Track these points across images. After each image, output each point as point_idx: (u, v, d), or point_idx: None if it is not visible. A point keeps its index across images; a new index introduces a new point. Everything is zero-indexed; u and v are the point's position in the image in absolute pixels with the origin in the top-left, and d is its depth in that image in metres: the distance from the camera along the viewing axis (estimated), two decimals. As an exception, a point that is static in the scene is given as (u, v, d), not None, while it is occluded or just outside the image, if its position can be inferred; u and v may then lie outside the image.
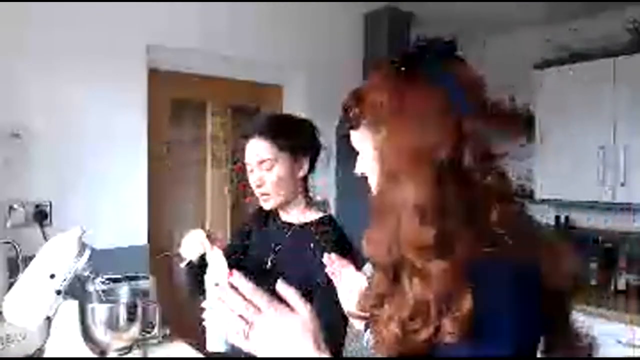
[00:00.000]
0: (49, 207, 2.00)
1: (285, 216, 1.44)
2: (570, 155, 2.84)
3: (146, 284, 1.88)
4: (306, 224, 1.39)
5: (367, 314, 0.77)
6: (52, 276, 1.41)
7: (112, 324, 1.48)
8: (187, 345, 1.61)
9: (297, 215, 1.42)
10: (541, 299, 0.68)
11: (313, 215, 1.41)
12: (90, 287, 1.49)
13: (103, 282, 1.50)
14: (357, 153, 0.85)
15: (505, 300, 0.64)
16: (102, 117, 2.14)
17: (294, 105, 2.92)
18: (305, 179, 1.41)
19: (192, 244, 1.35)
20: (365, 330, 0.94)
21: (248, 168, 1.39)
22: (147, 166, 2.28)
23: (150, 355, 1.60)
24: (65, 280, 1.43)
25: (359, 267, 1.09)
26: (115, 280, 1.64)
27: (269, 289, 0.87)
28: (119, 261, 1.93)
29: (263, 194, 1.37)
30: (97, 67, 2.10)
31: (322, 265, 1.10)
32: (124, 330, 1.50)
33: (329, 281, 1.09)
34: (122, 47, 2.18)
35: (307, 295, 1.00)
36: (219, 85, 2.63)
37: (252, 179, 1.38)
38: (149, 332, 1.62)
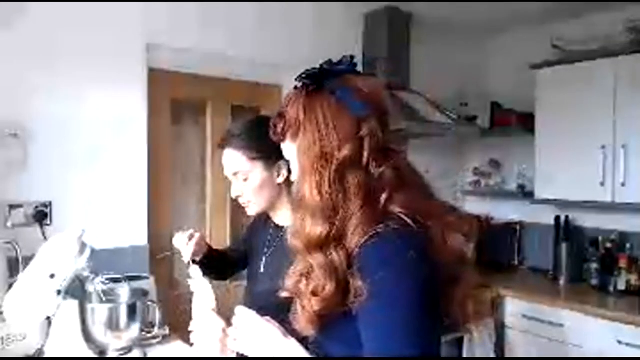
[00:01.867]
0: (49, 207, 2.00)
1: (277, 219, 1.41)
2: (570, 155, 2.84)
3: (146, 284, 1.88)
4: None
5: (294, 290, 0.90)
6: (52, 276, 1.41)
7: (112, 324, 1.48)
8: (187, 345, 1.60)
9: (290, 217, 1.38)
10: (430, 268, 0.80)
11: None
12: (90, 287, 1.49)
13: (103, 282, 1.50)
14: None
15: (393, 273, 0.77)
16: (102, 117, 2.13)
17: (294, 105, 2.92)
18: (289, 182, 1.32)
19: (182, 249, 1.40)
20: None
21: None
22: (147, 166, 2.28)
23: (150, 355, 1.60)
24: (65, 280, 1.43)
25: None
26: (115, 280, 1.64)
27: (261, 292, 1.17)
28: (119, 261, 1.93)
29: (244, 204, 1.36)
30: (97, 67, 2.10)
31: None
32: (124, 330, 1.50)
33: None
34: (122, 46, 2.18)
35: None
36: (219, 85, 2.62)
37: (232, 190, 1.36)
38: (149, 332, 1.62)
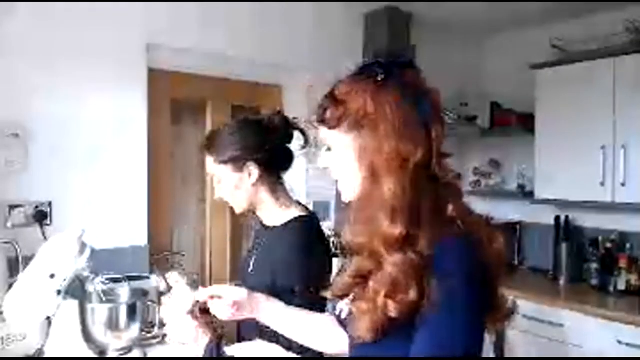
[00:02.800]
0: (49, 207, 2.00)
1: (263, 218, 1.45)
2: (570, 155, 2.84)
3: (146, 284, 1.88)
4: (283, 224, 1.38)
5: (346, 291, 0.88)
6: (52, 276, 1.41)
7: (112, 324, 1.48)
8: (186, 345, 1.60)
9: (275, 216, 1.41)
10: (485, 273, 0.81)
11: (292, 214, 1.39)
12: (90, 287, 1.49)
13: (103, 282, 1.50)
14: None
15: (463, 279, 0.78)
16: (102, 117, 2.14)
17: (294, 105, 2.92)
18: (265, 181, 1.38)
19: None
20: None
21: None
22: (147, 166, 2.28)
23: (150, 355, 1.60)
24: (65, 280, 1.43)
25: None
26: (115, 280, 1.64)
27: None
28: (119, 261, 1.93)
29: (228, 203, 1.42)
30: (97, 67, 2.10)
31: (286, 265, 1.27)
32: (124, 330, 1.50)
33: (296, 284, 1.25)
34: (122, 46, 2.18)
35: (279, 294, 1.19)
36: (219, 85, 2.63)
37: (215, 192, 1.43)
38: (149, 332, 1.62)
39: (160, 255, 2.29)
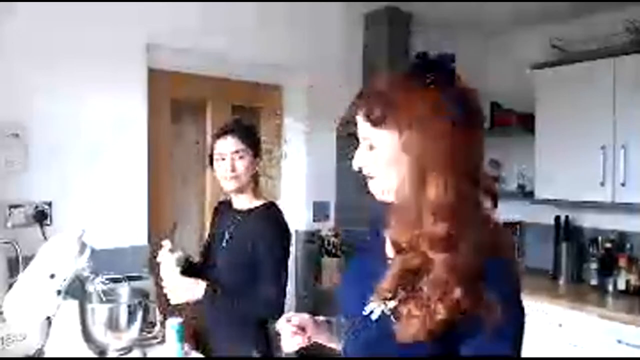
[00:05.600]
0: (49, 207, 2.00)
1: (237, 203, 1.73)
2: (570, 155, 2.84)
3: (146, 284, 1.88)
4: (255, 207, 1.69)
5: (391, 293, 0.86)
6: (52, 276, 1.41)
7: (112, 324, 1.48)
8: (186, 345, 1.61)
9: (248, 202, 1.71)
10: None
11: (261, 201, 1.71)
12: (90, 287, 1.49)
13: (103, 282, 1.51)
14: (355, 152, 0.93)
15: (511, 292, 0.85)
16: (102, 117, 2.14)
17: (294, 105, 2.92)
18: (256, 174, 1.73)
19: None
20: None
21: (218, 158, 1.69)
22: (147, 166, 2.28)
23: (150, 355, 1.60)
24: (65, 280, 1.43)
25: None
26: (115, 280, 1.64)
27: (222, 264, 1.67)
28: (119, 261, 1.93)
29: (231, 177, 1.66)
30: (97, 67, 2.10)
31: (255, 242, 1.58)
32: (124, 330, 1.50)
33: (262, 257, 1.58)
34: (122, 46, 2.18)
35: (244, 268, 1.59)
36: (219, 85, 2.63)
37: (225, 166, 1.67)
38: (149, 332, 1.62)
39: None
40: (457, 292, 0.78)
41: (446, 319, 0.78)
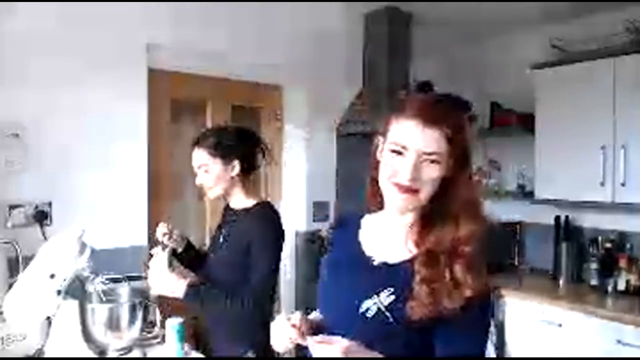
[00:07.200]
0: (49, 207, 2.00)
1: (232, 203, 1.75)
2: (570, 155, 2.84)
3: (146, 284, 1.88)
4: (250, 207, 1.69)
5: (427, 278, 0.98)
6: (52, 276, 1.41)
7: (112, 324, 1.48)
8: (186, 345, 1.61)
9: (242, 202, 1.72)
10: None
11: (256, 201, 1.71)
12: (90, 287, 1.49)
13: (103, 282, 1.51)
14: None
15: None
16: (102, 117, 2.14)
17: (294, 105, 2.92)
18: (241, 175, 1.69)
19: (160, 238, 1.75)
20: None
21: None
22: (147, 166, 2.28)
23: (150, 355, 1.60)
24: (65, 280, 1.43)
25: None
26: (115, 280, 1.64)
27: (220, 257, 1.71)
28: (119, 261, 1.93)
29: (207, 189, 1.70)
30: (97, 67, 2.10)
31: (248, 242, 1.58)
32: (124, 330, 1.50)
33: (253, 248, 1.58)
34: (122, 46, 2.18)
35: (238, 266, 1.59)
36: (219, 85, 2.63)
37: (196, 180, 1.69)
38: (149, 332, 1.62)
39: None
40: (475, 283, 0.93)
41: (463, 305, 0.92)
